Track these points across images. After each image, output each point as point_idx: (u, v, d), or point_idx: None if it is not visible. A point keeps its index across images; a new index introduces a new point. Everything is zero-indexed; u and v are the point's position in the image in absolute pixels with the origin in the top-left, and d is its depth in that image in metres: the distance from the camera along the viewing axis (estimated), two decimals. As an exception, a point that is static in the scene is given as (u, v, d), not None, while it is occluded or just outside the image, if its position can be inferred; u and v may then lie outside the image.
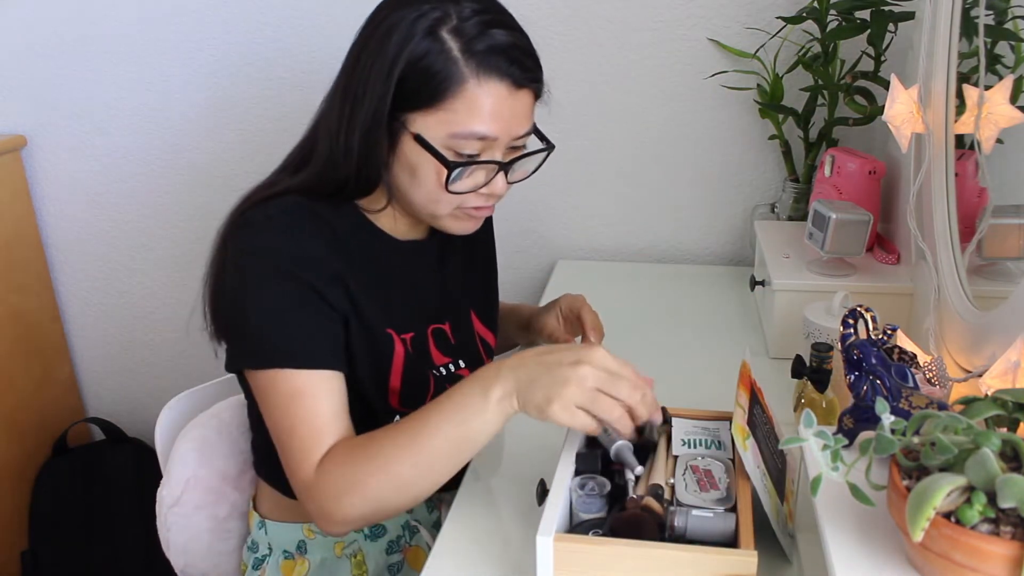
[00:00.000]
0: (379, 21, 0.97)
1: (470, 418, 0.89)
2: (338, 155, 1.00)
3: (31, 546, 1.94)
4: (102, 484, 1.94)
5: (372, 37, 0.97)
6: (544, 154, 1.07)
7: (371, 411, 1.05)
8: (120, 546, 1.92)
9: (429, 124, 0.96)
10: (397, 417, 1.04)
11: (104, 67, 1.82)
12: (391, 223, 1.10)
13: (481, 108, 0.95)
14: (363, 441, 0.93)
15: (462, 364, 1.15)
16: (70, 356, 2.08)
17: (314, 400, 0.95)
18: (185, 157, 1.87)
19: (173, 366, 2.08)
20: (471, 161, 0.98)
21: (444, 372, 1.13)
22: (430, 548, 1.15)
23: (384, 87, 0.95)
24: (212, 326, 1.07)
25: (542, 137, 1.08)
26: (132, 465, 1.96)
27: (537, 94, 1.03)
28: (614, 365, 0.88)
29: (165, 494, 1.21)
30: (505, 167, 1.02)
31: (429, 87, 0.95)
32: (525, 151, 1.05)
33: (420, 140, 0.97)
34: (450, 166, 0.97)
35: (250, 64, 1.77)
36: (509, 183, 1.04)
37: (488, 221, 1.23)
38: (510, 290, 1.82)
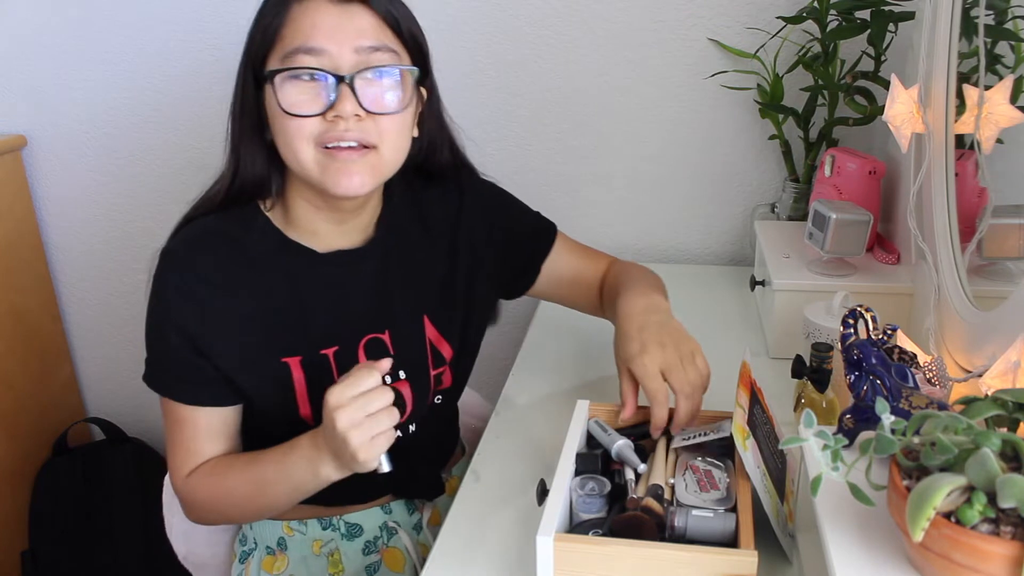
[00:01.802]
0: None
1: (301, 484, 0.99)
2: (228, 160, 1.04)
3: (31, 546, 1.94)
4: (102, 484, 1.94)
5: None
6: (402, 71, 0.99)
7: (279, 436, 1.03)
8: (120, 546, 1.92)
9: (271, 63, 0.98)
10: None
11: (104, 67, 1.82)
12: (307, 235, 1.07)
13: (301, 23, 0.96)
14: (224, 470, 1.04)
15: (402, 375, 1.10)
16: (70, 356, 2.08)
17: (192, 429, 1.05)
18: (185, 157, 1.87)
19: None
20: (296, 68, 0.95)
21: None
22: (409, 550, 1.16)
23: (243, 62, 1.01)
24: None
25: (415, 61, 1.02)
26: (132, 465, 1.95)
27: (381, 13, 0.98)
28: (348, 393, 0.90)
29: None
30: (346, 80, 0.95)
31: (266, 31, 0.98)
32: (377, 66, 0.97)
33: (262, 77, 0.98)
34: (273, 74, 0.96)
35: (250, 64, 1.77)
36: (365, 107, 0.96)
37: (478, 215, 1.17)
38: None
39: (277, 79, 0.96)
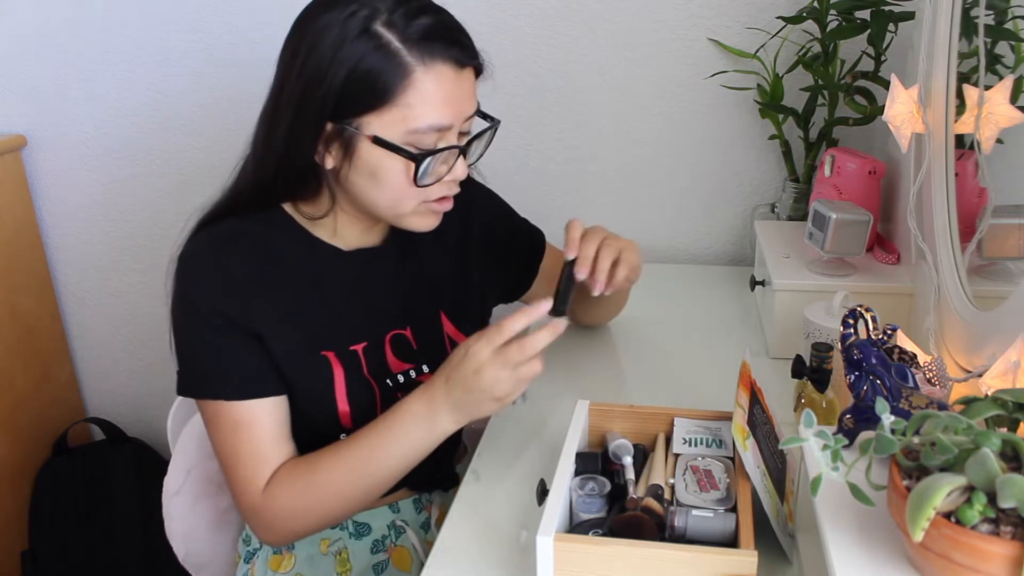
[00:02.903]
0: (307, 25, 0.96)
1: (417, 445, 0.98)
2: (257, 160, 1.02)
3: (31, 546, 1.94)
4: (102, 484, 1.94)
5: (302, 43, 0.96)
6: (493, 131, 1.05)
7: (317, 432, 1.05)
8: (120, 546, 1.92)
9: (385, 123, 0.95)
10: (343, 436, 1.06)
11: (104, 67, 1.82)
12: (332, 234, 1.08)
13: (433, 96, 0.94)
14: (310, 466, 1.00)
15: (425, 369, 1.13)
16: (70, 356, 2.08)
17: (254, 429, 1.00)
18: (185, 157, 1.87)
19: (173, 366, 2.07)
20: (436, 150, 0.97)
21: (402, 379, 1.11)
22: (416, 549, 1.16)
23: (322, 93, 0.93)
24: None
25: (485, 115, 1.06)
26: (132, 465, 1.95)
27: (478, 71, 1.01)
28: (494, 344, 0.93)
29: (169, 483, 1.22)
30: (464, 150, 1.01)
31: (377, 87, 0.93)
32: (474, 133, 1.03)
33: (379, 142, 0.95)
34: (418, 160, 0.95)
35: (251, 64, 1.77)
36: (468, 165, 1.03)
37: (483, 218, 1.21)
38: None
39: (408, 149, 0.95)
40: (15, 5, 1.80)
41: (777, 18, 1.54)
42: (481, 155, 1.07)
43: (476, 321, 1.21)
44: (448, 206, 1.04)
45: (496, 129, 1.06)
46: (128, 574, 1.92)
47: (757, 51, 1.58)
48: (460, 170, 1.01)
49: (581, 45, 1.66)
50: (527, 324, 0.95)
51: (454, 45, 0.96)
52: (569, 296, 1.04)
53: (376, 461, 0.98)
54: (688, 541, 0.82)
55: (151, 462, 1.98)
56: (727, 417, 0.98)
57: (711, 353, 1.37)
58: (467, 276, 1.20)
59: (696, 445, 0.97)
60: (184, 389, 1.03)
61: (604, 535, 0.85)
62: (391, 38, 0.93)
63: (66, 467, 1.95)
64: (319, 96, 0.94)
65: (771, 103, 1.56)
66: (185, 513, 1.23)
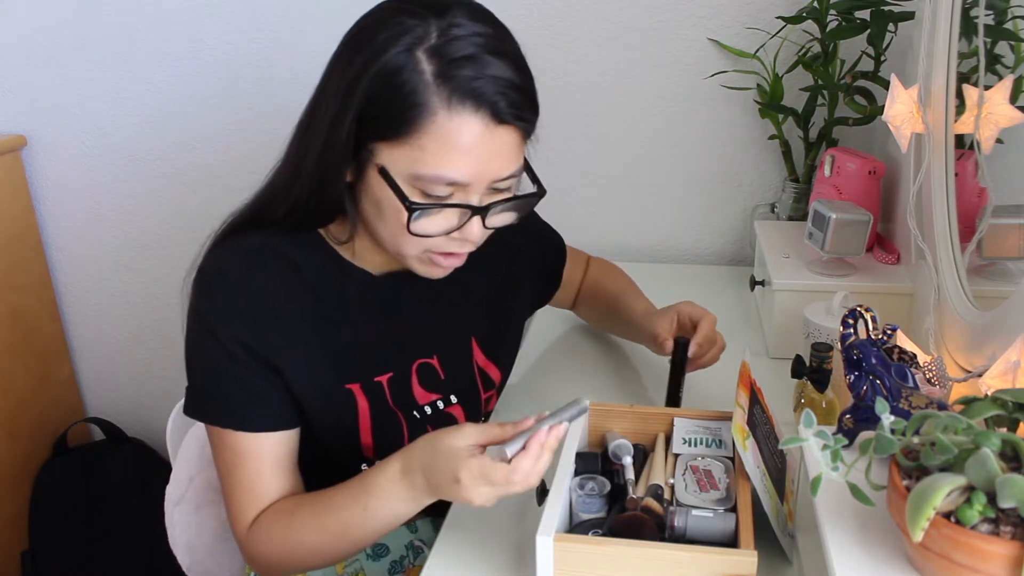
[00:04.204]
0: (357, 31, 0.89)
1: (393, 521, 0.90)
2: (292, 175, 0.93)
3: (31, 546, 1.94)
4: (102, 484, 1.94)
5: (347, 47, 0.89)
6: (532, 200, 0.94)
7: (337, 463, 1.01)
8: (120, 546, 1.92)
9: (395, 158, 0.86)
10: (363, 465, 1.03)
11: (104, 67, 1.82)
12: (363, 254, 1.00)
13: (452, 147, 0.84)
14: (290, 518, 0.94)
15: (453, 400, 1.07)
16: (70, 356, 2.08)
17: (255, 462, 0.95)
18: (185, 157, 1.87)
19: (173, 366, 2.07)
20: (437, 204, 0.87)
21: (429, 411, 1.06)
22: None
23: (347, 101, 0.85)
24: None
25: (534, 179, 0.95)
26: (132, 465, 1.96)
27: (526, 133, 0.91)
28: (475, 456, 0.82)
29: (171, 491, 1.21)
30: (480, 212, 0.89)
31: (395, 113, 0.84)
32: (510, 195, 0.92)
33: (384, 174, 0.87)
34: (410, 207, 0.86)
35: (250, 64, 1.77)
36: (487, 228, 0.91)
37: (515, 243, 1.11)
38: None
39: (408, 192, 0.87)
40: (15, 5, 1.80)
41: (777, 18, 1.54)
42: (517, 220, 0.95)
43: (510, 348, 1.16)
44: (455, 263, 0.95)
45: (540, 199, 0.94)
46: (128, 574, 1.92)
47: (757, 51, 1.58)
48: (474, 232, 0.90)
49: (581, 45, 1.66)
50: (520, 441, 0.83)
51: (498, 95, 0.84)
52: (681, 390, 1.11)
53: (353, 531, 0.92)
54: (688, 541, 0.82)
55: (151, 462, 1.98)
56: (727, 417, 0.98)
57: (711, 353, 1.37)
58: (503, 297, 1.13)
59: (696, 445, 0.97)
60: (191, 410, 0.98)
61: (604, 535, 0.85)
62: (426, 68, 0.83)
63: (66, 467, 1.95)
64: (345, 99, 0.86)
65: (771, 103, 1.56)
66: (188, 522, 1.21)
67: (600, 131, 1.72)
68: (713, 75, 1.63)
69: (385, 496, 0.89)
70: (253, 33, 1.75)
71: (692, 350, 1.11)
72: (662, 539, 0.82)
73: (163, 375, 2.09)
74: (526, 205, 0.94)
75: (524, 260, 1.18)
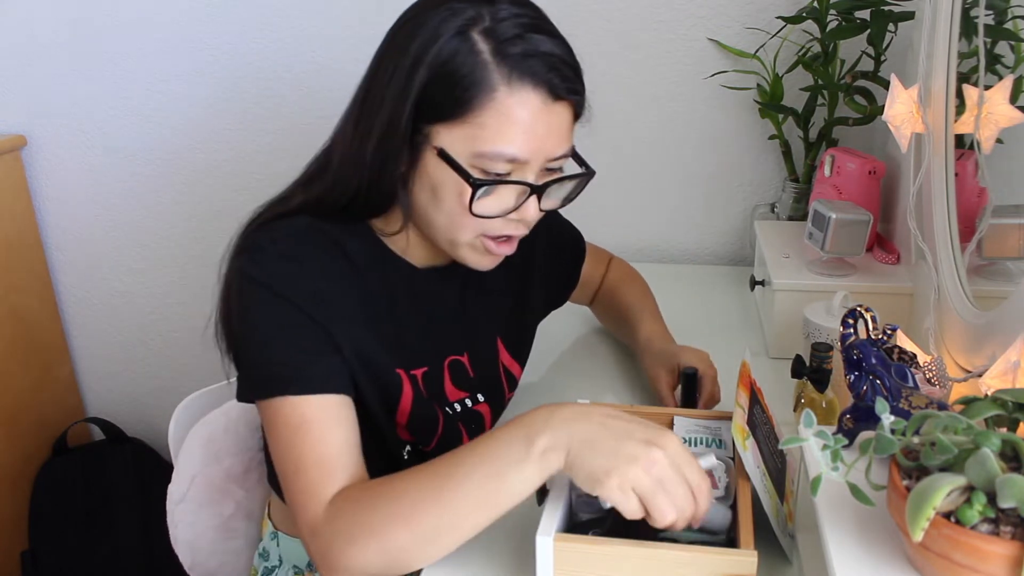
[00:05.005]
0: (406, 20, 0.90)
1: (506, 469, 0.78)
2: (349, 165, 0.92)
3: (31, 546, 1.94)
4: (102, 484, 1.94)
5: (397, 35, 0.89)
6: (583, 180, 0.97)
7: (381, 437, 0.98)
8: (120, 546, 1.92)
9: (455, 138, 0.87)
10: (407, 447, 1.02)
11: (104, 67, 1.82)
12: (408, 247, 1.01)
13: (512, 122, 0.86)
14: (383, 482, 0.83)
15: (480, 398, 1.07)
16: (70, 356, 2.08)
17: (322, 430, 0.86)
18: (185, 157, 1.87)
19: (173, 366, 2.08)
20: (498, 180, 0.89)
21: (459, 408, 1.05)
22: None
23: (404, 90, 0.86)
24: (224, 343, 0.98)
25: (581, 161, 0.98)
26: (132, 465, 1.96)
27: (577, 111, 0.94)
28: (684, 460, 0.77)
29: (173, 490, 1.21)
30: (538, 190, 0.91)
31: (455, 94, 0.85)
32: (561, 175, 0.94)
33: (443, 155, 0.88)
34: (475, 184, 0.87)
35: (250, 64, 1.77)
36: (542, 210, 0.94)
37: (536, 241, 1.10)
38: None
39: (470, 171, 0.88)
40: (15, 5, 1.80)
41: (777, 18, 1.54)
42: (565, 203, 0.97)
43: (526, 348, 1.16)
44: (509, 250, 0.96)
45: (589, 179, 0.97)
46: (128, 574, 1.92)
47: (757, 51, 1.58)
48: (531, 212, 0.92)
49: (580, 45, 1.66)
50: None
51: (552, 71, 0.88)
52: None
53: (453, 483, 0.80)
54: (685, 531, 0.82)
55: (151, 462, 1.98)
56: (727, 417, 0.98)
57: (711, 353, 1.37)
58: (526, 298, 1.14)
59: (696, 445, 0.97)
60: (250, 392, 0.91)
61: (604, 535, 0.85)
62: (484, 48, 0.85)
63: (66, 467, 1.95)
64: (401, 90, 0.87)
65: (771, 103, 1.56)
66: (190, 521, 1.20)
67: (599, 131, 1.71)
68: (713, 75, 1.63)
69: (497, 440, 0.80)
70: (254, 33, 1.75)
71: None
72: (661, 538, 0.82)
73: (163, 375, 2.09)
74: (579, 184, 0.97)
75: (543, 259, 1.17)
